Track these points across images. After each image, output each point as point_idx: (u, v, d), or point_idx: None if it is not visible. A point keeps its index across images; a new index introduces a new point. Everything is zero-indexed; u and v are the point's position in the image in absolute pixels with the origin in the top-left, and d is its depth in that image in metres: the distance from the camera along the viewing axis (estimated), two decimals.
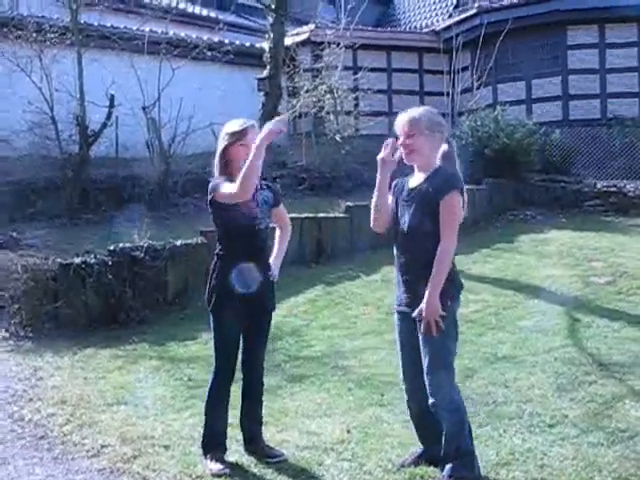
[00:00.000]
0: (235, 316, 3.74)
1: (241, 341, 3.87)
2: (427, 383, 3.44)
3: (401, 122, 3.56)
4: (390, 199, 3.65)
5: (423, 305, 3.36)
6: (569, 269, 8.17)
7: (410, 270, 3.50)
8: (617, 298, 7.03)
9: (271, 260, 3.92)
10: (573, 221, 10.85)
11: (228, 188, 3.61)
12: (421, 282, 3.40)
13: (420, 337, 3.45)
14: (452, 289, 3.47)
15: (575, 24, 14.23)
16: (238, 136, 3.73)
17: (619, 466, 3.60)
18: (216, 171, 3.81)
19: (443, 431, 3.45)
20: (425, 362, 3.44)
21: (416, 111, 3.57)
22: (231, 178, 3.68)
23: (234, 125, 3.79)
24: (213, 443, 3.79)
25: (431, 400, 3.43)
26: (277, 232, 4.06)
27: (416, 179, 3.60)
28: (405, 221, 3.54)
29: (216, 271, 3.79)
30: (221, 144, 3.78)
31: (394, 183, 3.69)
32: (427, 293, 3.35)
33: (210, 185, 3.75)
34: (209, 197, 3.73)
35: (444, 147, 3.57)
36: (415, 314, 3.40)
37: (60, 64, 10.65)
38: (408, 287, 3.52)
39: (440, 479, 3.45)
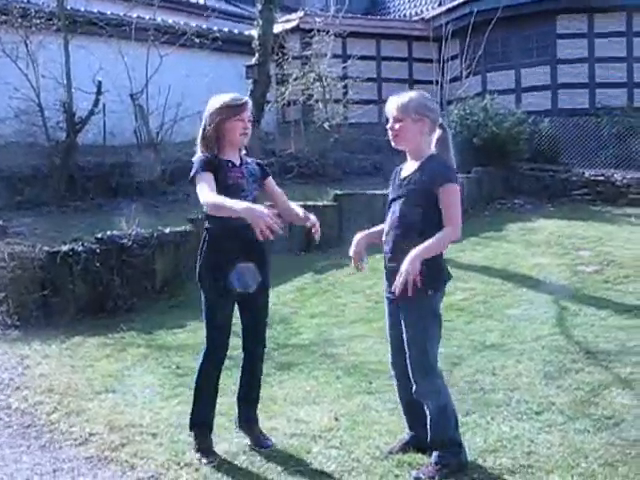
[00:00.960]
0: (224, 291, 3.67)
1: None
2: (410, 370, 3.46)
3: (390, 106, 3.54)
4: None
5: (402, 265, 3.30)
6: (557, 258, 8.21)
7: (395, 259, 3.47)
8: (604, 287, 7.07)
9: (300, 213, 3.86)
10: (561, 210, 10.90)
11: (204, 191, 3.52)
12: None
13: (402, 324, 3.46)
14: (437, 279, 3.45)
15: (564, 13, 14.24)
16: (236, 110, 3.68)
17: (605, 452, 3.63)
18: (201, 146, 3.72)
19: (427, 417, 3.48)
20: (407, 349, 3.46)
21: (406, 95, 3.53)
22: (217, 155, 3.67)
23: (226, 99, 3.71)
24: (199, 424, 3.78)
25: (414, 387, 3.47)
26: (290, 206, 3.93)
27: (409, 167, 3.57)
28: (395, 210, 3.53)
29: (204, 246, 3.74)
30: (214, 118, 3.67)
31: (394, 172, 3.68)
32: (412, 252, 3.29)
33: (195, 162, 3.66)
34: (191, 174, 3.65)
35: (438, 132, 3.54)
36: (393, 287, 3.37)
37: (46, 50, 10.54)
38: (393, 275, 3.49)
39: (427, 466, 3.47)
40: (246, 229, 3.37)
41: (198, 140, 3.76)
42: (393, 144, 3.58)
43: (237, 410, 3.95)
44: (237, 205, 3.36)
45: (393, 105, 3.53)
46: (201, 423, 3.79)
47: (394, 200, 3.57)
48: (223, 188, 3.60)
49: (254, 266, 3.72)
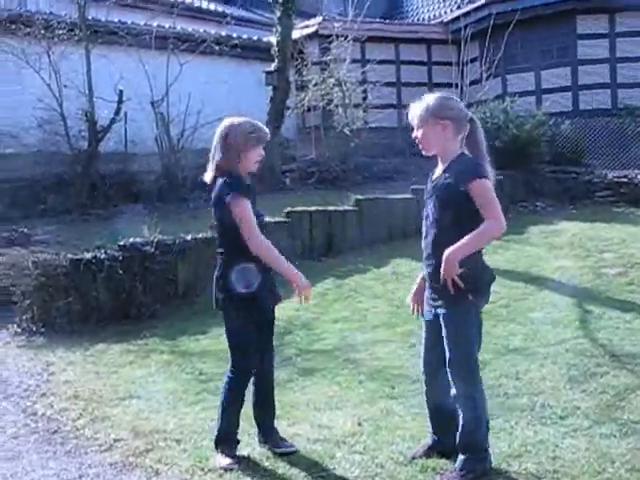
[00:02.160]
0: (248, 315, 3.71)
1: None
2: (450, 375, 3.41)
3: (410, 114, 3.52)
4: None
5: (442, 262, 3.27)
6: (580, 260, 8.13)
7: (432, 264, 3.42)
8: (628, 289, 6.98)
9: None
10: (584, 212, 10.79)
11: (251, 228, 3.61)
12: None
13: (444, 329, 3.41)
14: (478, 282, 3.38)
15: (584, 13, 14.14)
16: (261, 141, 3.76)
17: (632, 457, 3.58)
18: (218, 168, 3.74)
19: (459, 423, 3.43)
20: (448, 354, 3.39)
21: (424, 100, 3.49)
22: (240, 176, 3.71)
23: (252, 127, 3.75)
24: (226, 440, 3.79)
25: (452, 391, 3.41)
26: None
27: (438, 170, 3.52)
28: (428, 214, 3.48)
29: (222, 271, 3.72)
30: (239, 142, 3.69)
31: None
32: (450, 249, 3.24)
33: (233, 184, 3.66)
34: (226, 198, 3.63)
35: (468, 127, 3.47)
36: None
37: (68, 60, 10.68)
38: (430, 282, 3.46)
39: (452, 471, 3.45)
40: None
41: (214, 161, 3.75)
42: (424, 152, 3.54)
43: (257, 427, 3.94)
44: (288, 268, 3.63)
45: (412, 113, 3.51)
46: (228, 439, 3.80)
47: (427, 204, 3.52)
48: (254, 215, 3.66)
49: (254, 266, 3.70)
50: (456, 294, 3.30)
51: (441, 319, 3.43)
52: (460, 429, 3.44)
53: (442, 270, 3.26)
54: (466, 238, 3.25)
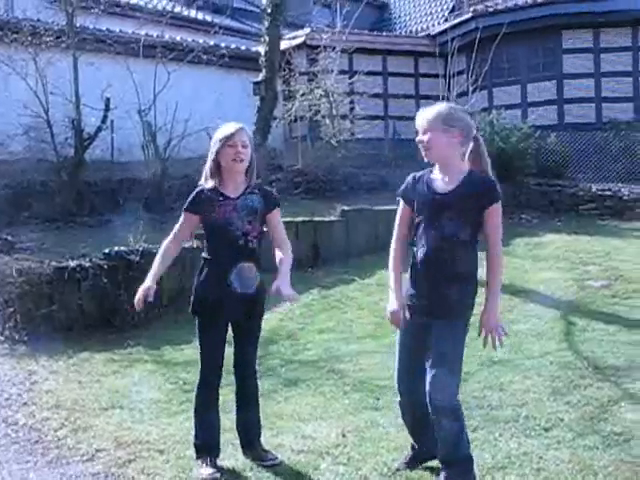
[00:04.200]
0: (215, 321, 3.72)
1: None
2: (429, 383, 3.34)
3: (419, 118, 3.47)
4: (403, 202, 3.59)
5: (486, 318, 3.34)
6: (564, 273, 8.18)
7: (436, 277, 3.37)
8: (612, 302, 7.04)
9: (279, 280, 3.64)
10: (569, 225, 10.87)
11: (168, 238, 3.98)
12: (451, 289, 3.35)
13: (436, 341, 3.37)
14: (473, 298, 3.42)
15: (570, 28, 14.29)
16: (228, 137, 3.72)
17: (615, 469, 3.60)
18: (204, 176, 3.80)
19: (439, 433, 3.41)
20: (434, 366, 3.34)
21: (435, 107, 3.47)
22: (217, 187, 3.75)
23: (224, 130, 3.77)
24: (204, 448, 3.77)
25: (438, 403, 3.32)
26: (276, 252, 3.76)
27: (446, 181, 3.43)
28: (441, 225, 3.37)
29: (198, 275, 3.83)
30: (213, 150, 3.75)
31: (409, 179, 3.57)
32: (490, 304, 3.34)
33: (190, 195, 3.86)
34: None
35: (472, 144, 3.46)
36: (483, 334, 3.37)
37: (55, 67, 10.62)
38: (430, 293, 3.39)
39: None
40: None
41: (205, 168, 3.82)
42: (425, 158, 3.47)
43: (239, 437, 3.92)
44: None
45: (422, 117, 3.45)
46: (206, 449, 3.76)
47: (433, 211, 3.41)
48: (210, 222, 3.74)
49: (254, 266, 3.71)
50: (458, 309, 3.35)
51: (435, 330, 3.38)
52: (442, 442, 3.40)
53: (488, 327, 3.33)
54: (495, 290, 3.39)
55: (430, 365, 3.36)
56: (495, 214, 3.37)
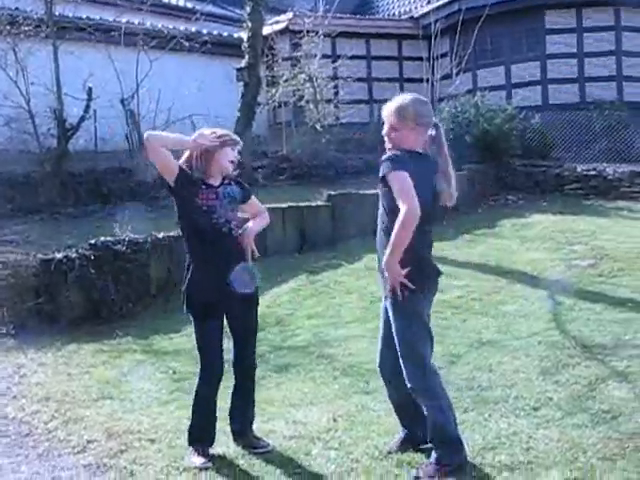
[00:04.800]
0: (213, 317, 3.74)
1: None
2: (403, 370, 3.48)
3: (388, 111, 3.55)
4: None
5: (385, 271, 3.37)
6: (551, 253, 8.22)
7: (380, 258, 3.52)
8: (598, 280, 7.08)
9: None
10: (554, 205, 10.91)
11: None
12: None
13: (392, 324, 3.48)
14: (414, 279, 3.37)
15: (553, 8, 14.27)
16: (233, 143, 3.82)
17: (603, 446, 3.64)
18: (193, 163, 3.79)
19: (424, 416, 3.48)
20: (398, 349, 3.48)
21: (405, 102, 3.54)
22: (207, 175, 3.78)
23: (227, 132, 3.87)
24: (199, 437, 3.79)
25: (409, 385, 3.48)
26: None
27: None
28: (379, 207, 3.61)
29: (185, 274, 3.79)
30: (212, 142, 3.74)
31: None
32: (385, 256, 3.34)
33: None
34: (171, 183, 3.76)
35: (431, 131, 3.55)
36: (387, 291, 3.42)
37: (35, 57, 10.50)
38: (381, 274, 3.54)
39: (427, 465, 3.47)
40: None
41: (193, 157, 3.79)
42: (388, 149, 3.58)
43: (230, 426, 3.94)
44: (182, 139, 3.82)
45: (391, 111, 3.54)
46: (200, 438, 3.79)
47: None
48: (193, 208, 3.70)
49: (253, 266, 3.74)
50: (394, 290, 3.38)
51: (390, 314, 3.51)
52: (428, 424, 3.48)
53: (387, 276, 3.36)
54: (392, 237, 3.32)
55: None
56: (390, 182, 3.38)
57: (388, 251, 3.32)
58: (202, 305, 3.71)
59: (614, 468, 3.41)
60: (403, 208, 3.28)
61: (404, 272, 3.31)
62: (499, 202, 11.38)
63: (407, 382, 3.47)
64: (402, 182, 3.34)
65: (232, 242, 3.75)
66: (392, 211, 3.39)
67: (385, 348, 3.66)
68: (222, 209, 3.74)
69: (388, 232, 3.41)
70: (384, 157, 3.48)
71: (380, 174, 3.42)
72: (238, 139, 3.91)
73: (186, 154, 3.82)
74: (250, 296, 3.83)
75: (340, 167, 12.44)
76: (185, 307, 3.80)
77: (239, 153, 3.92)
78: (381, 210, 3.56)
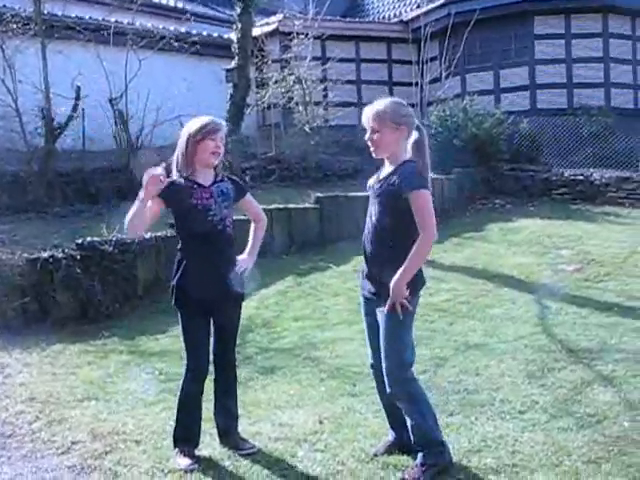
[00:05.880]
0: (201, 315, 3.72)
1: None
2: (384, 374, 3.49)
3: (366, 116, 3.56)
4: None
5: (391, 290, 3.36)
6: (538, 257, 8.26)
7: (375, 262, 3.52)
8: (585, 285, 7.12)
9: (245, 253, 3.89)
10: (542, 209, 10.97)
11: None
12: (385, 274, 3.40)
13: (380, 327, 3.48)
14: (416, 284, 3.47)
15: (542, 14, 14.36)
16: (211, 132, 3.71)
17: (588, 450, 3.65)
18: (175, 165, 3.77)
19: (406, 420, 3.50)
20: (382, 353, 3.49)
21: (382, 104, 3.53)
22: (189, 176, 3.72)
23: (204, 122, 3.74)
24: (184, 437, 3.77)
25: (388, 389, 3.49)
26: (251, 225, 4.03)
27: (385, 172, 3.59)
28: (372, 214, 3.55)
29: (176, 269, 3.76)
30: (190, 139, 3.70)
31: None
32: (396, 277, 3.34)
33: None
34: None
35: (414, 135, 3.55)
36: (386, 308, 3.40)
37: (23, 55, 10.43)
38: (373, 278, 3.54)
39: (412, 467, 3.47)
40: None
41: (174, 158, 3.78)
42: (374, 155, 3.61)
43: (216, 426, 3.92)
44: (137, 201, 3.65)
45: (369, 116, 3.54)
46: (186, 439, 3.77)
47: (371, 203, 3.60)
48: (188, 209, 3.68)
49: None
50: (385, 295, 3.39)
51: (380, 318, 3.49)
52: (410, 428, 3.49)
53: (391, 295, 3.35)
54: (408, 261, 3.34)
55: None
56: (415, 200, 3.38)
57: (400, 273, 3.33)
58: (195, 301, 3.68)
59: (599, 471, 3.42)
60: (424, 233, 3.35)
61: (407, 294, 3.36)
62: (487, 206, 11.42)
63: (387, 387, 3.48)
64: (428, 203, 3.39)
65: (227, 239, 3.75)
66: (402, 223, 3.40)
67: (374, 350, 3.65)
68: (217, 207, 3.72)
69: (387, 231, 3.42)
70: (411, 167, 3.45)
71: (405, 185, 3.38)
72: (217, 125, 3.74)
73: (176, 154, 3.77)
74: (241, 295, 3.86)
75: (329, 169, 12.46)
76: (174, 302, 3.77)
77: (226, 138, 3.82)
78: (379, 208, 3.50)
